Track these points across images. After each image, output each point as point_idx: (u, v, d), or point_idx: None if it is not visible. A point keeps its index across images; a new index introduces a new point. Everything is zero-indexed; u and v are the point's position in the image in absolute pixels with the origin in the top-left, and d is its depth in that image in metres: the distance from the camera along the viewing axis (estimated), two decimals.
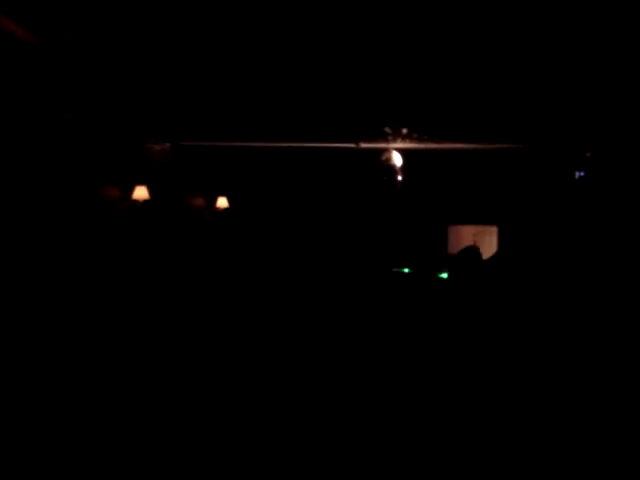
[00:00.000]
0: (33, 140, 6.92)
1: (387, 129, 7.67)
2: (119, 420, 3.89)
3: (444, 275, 6.77)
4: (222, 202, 9.98)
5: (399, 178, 8.13)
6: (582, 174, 8.65)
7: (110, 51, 5.61)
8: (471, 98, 6.60)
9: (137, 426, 3.87)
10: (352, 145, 8.57)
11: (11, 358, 4.70)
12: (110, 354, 5.10)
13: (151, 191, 8.45)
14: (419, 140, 8.10)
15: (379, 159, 8.08)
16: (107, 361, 4.94)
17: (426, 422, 4.04)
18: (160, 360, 4.94)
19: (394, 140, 8.00)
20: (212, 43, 5.39)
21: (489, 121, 7.40)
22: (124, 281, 7.30)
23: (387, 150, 8.07)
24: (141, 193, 8.36)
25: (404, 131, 7.73)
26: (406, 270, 7.81)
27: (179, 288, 6.73)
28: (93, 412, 4.00)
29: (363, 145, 8.52)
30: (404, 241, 10.01)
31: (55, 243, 6.97)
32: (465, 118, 7.33)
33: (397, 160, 8.04)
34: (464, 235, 10.32)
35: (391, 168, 8.01)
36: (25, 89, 6.46)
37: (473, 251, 6.63)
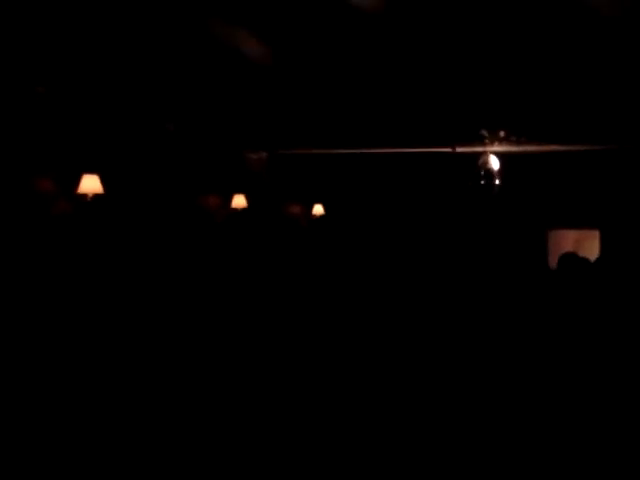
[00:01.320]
0: (138, 151, 7.17)
1: (484, 132, 7.57)
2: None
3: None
4: (318, 209, 10.05)
5: (497, 182, 7.99)
6: None
7: (208, 64, 5.74)
8: (572, 98, 6.44)
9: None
10: (448, 149, 8.49)
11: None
12: (198, 355, 5.20)
13: (249, 199, 8.62)
14: (517, 143, 7.95)
15: (476, 163, 7.97)
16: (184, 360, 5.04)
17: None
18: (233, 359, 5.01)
19: (491, 143, 7.88)
20: (308, 53, 5.45)
21: (590, 122, 7.19)
22: (224, 287, 7.44)
23: (484, 153, 7.95)
24: (240, 201, 8.53)
25: (501, 134, 7.60)
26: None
27: (276, 293, 6.82)
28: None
29: (459, 149, 8.42)
30: (501, 247, 9.83)
31: (159, 249, 7.19)
32: (565, 119, 7.16)
33: (494, 164, 7.91)
34: (564, 240, 10.05)
35: (488, 172, 7.89)
36: (128, 103, 6.70)
37: (574, 259, 6.43)
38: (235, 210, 8.59)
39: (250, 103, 6.97)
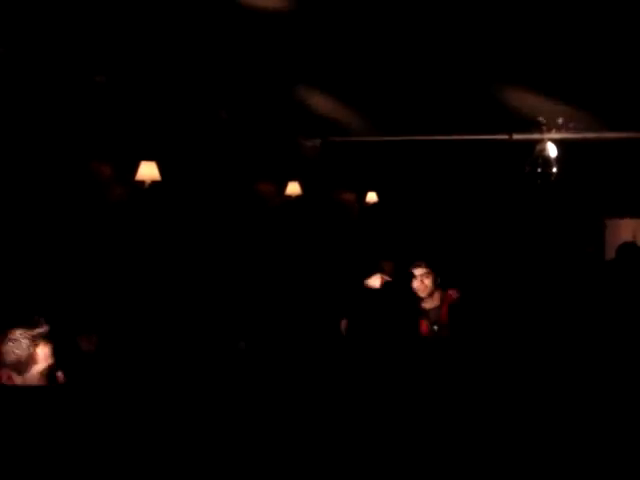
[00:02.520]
0: (193, 139, 7.24)
1: (541, 119, 7.44)
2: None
3: None
4: (371, 197, 10.04)
5: (554, 170, 7.86)
6: None
7: (262, 52, 5.75)
8: (633, 84, 6.28)
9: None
10: (505, 137, 8.37)
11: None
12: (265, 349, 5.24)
13: (303, 187, 8.63)
14: (575, 130, 7.80)
15: (533, 151, 7.84)
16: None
17: None
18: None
19: (549, 131, 7.74)
20: (358, 40, 5.42)
21: None
22: (281, 273, 7.49)
23: (542, 141, 7.82)
24: (294, 189, 8.55)
25: (560, 121, 7.46)
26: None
27: (330, 280, 6.83)
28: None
29: (516, 137, 8.30)
30: (558, 237, 9.68)
31: (215, 235, 7.26)
32: (625, 105, 6.99)
33: (552, 151, 7.77)
34: (622, 230, 9.85)
35: (546, 160, 7.76)
36: (183, 91, 6.76)
37: (633, 249, 6.30)
38: (289, 197, 8.61)
39: (304, 89, 6.96)
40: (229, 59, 5.90)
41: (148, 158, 6.46)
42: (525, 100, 6.84)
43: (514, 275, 8.33)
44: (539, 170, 7.80)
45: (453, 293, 4.97)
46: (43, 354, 2.68)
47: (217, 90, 6.91)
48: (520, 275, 8.26)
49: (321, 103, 7.43)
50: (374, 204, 10.04)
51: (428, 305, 4.91)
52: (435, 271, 4.97)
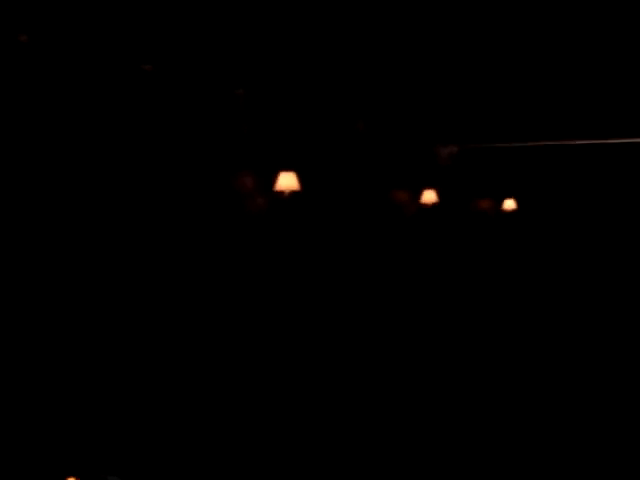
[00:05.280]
0: (330, 149, 7.31)
1: None
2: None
3: None
4: (509, 204, 9.78)
5: None
6: None
7: (398, 61, 5.74)
8: None
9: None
10: None
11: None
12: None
13: (439, 194, 8.53)
14: None
15: None
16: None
17: None
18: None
19: None
20: (491, 45, 5.32)
21: None
22: (418, 282, 7.42)
23: None
24: (430, 197, 8.46)
25: None
26: None
27: (468, 289, 6.71)
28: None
29: None
30: None
31: (353, 244, 7.29)
32: None
33: None
34: None
35: None
36: (320, 103, 6.85)
37: None
38: (425, 205, 8.53)
39: (440, 97, 6.89)
40: (367, 70, 5.92)
41: (287, 168, 6.56)
42: None
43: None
44: None
45: None
46: None
47: (354, 101, 6.95)
48: None
49: (458, 109, 7.33)
50: (513, 211, 9.78)
51: None
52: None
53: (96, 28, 4.70)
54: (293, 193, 6.57)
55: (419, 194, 8.51)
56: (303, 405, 4.54)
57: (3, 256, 4.18)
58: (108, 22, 4.64)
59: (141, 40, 4.93)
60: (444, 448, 3.89)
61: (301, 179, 6.58)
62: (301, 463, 3.92)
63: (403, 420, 4.35)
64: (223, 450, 4.18)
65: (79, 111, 4.73)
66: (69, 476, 3.29)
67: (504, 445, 3.82)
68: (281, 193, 6.57)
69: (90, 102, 4.82)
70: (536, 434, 3.91)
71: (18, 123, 4.34)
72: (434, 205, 8.54)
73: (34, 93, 4.52)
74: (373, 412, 4.57)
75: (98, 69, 4.86)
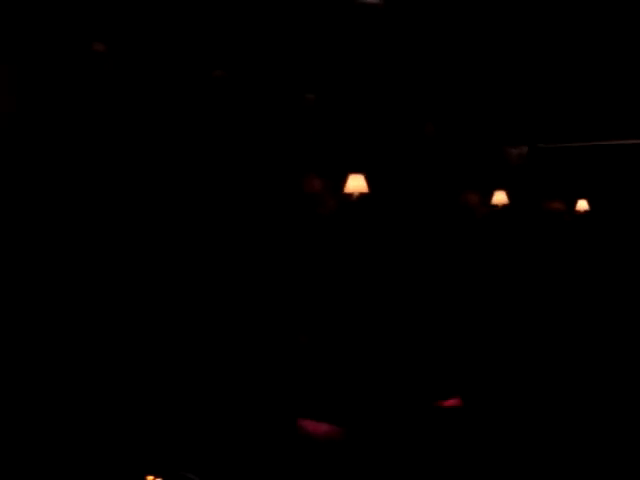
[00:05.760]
0: (399, 151, 7.30)
1: None
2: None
3: None
4: (582, 205, 9.59)
5: None
6: None
7: (468, 62, 5.70)
8: None
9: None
10: None
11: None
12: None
13: (510, 195, 8.42)
14: None
15: None
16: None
17: None
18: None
19: None
20: (568, 44, 5.23)
21: None
22: (491, 284, 7.34)
23: None
24: (500, 198, 8.37)
25: None
26: None
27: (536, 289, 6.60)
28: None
29: None
30: None
31: (422, 246, 7.26)
32: None
33: None
34: None
35: None
36: (390, 105, 6.85)
37: None
38: (495, 207, 8.44)
39: (510, 96, 6.81)
40: (437, 70, 5.91)
41: (356, 171, 6.59)
42: None
43: None
44: None
45: None
46: None
47: (423, 102, 6.94)
48: None
49: (528, 107, 7.23)
50: (585, 212, 9.59)
51: None
52: None
53: (170, 36, 4.81)
54: (362, 195, 6.59)
55: (489, 195, 8.42)
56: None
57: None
58: (182, 30, 4.75)
59: (214, 47, 5.02)
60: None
61: (370, 181, 6.60)
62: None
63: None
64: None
65: (155, 117, 4.85)
66: (148, 474, 3.39)
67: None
68: (350, 195, 6.60)
69: (165, 109, 4.94)
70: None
71: (105, 128, 4.49)
72: (505, 207, 8.44)
73: (111, 100, 4.65)
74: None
75: (172, 76, 4.97)
